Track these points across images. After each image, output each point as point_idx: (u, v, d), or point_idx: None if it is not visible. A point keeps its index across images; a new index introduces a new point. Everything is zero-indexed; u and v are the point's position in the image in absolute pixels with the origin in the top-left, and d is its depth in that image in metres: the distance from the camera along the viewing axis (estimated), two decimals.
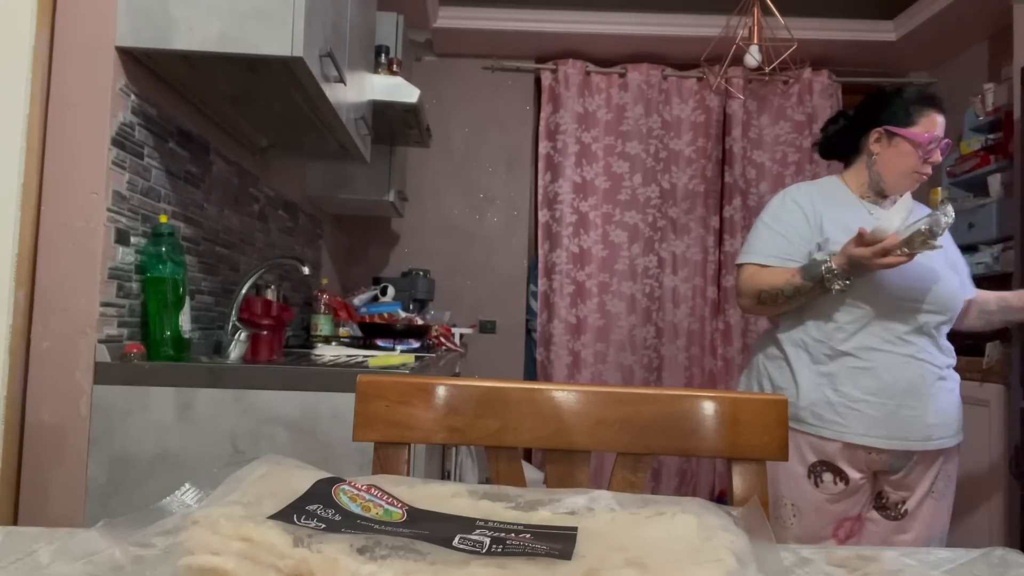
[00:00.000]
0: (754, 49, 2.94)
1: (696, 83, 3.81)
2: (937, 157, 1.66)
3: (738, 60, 3.10)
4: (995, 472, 2.43)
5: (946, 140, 1.65)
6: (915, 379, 1.58)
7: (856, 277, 1.55)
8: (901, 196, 1.59)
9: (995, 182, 2.91)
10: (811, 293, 1.59)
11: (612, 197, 3.79)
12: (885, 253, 1.44)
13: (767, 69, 3.03)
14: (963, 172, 3.13)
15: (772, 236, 1.68)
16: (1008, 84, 2.89)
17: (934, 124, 1.66)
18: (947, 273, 1.65)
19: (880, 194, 1.72)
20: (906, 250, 1.45)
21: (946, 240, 1.69)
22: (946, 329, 1.66)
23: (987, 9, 3.14)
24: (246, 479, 0.59)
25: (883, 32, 3.57)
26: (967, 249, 2.88)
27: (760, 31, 2.97)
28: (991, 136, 3.02)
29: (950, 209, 1.44)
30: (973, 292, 1.75)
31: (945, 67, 3.76)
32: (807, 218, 1.68)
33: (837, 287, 1.54)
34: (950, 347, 1.67)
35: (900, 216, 1.45)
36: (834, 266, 1.53)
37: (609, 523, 0.56)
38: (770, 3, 2.84)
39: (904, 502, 1.65)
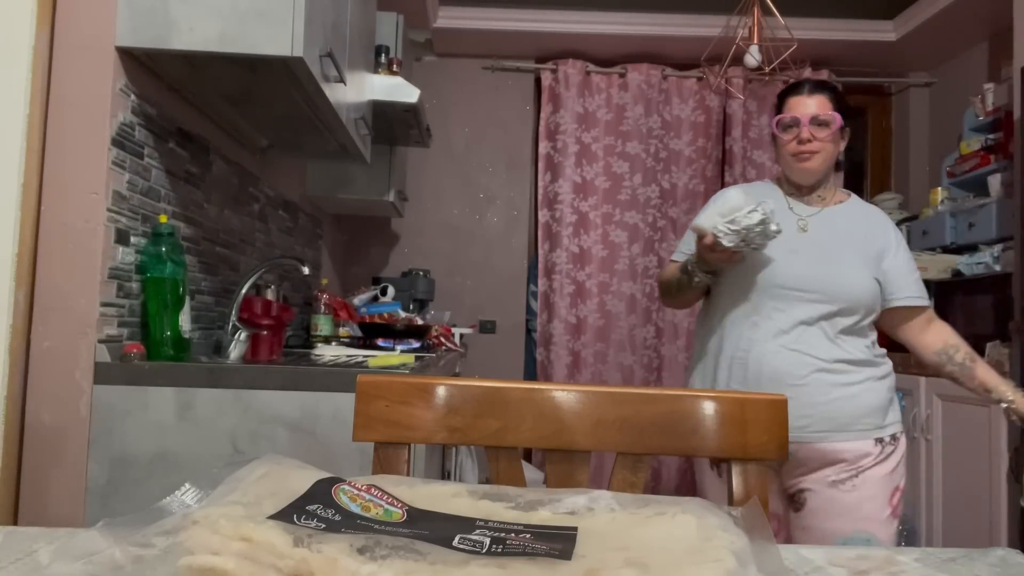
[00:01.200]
0: (754, 49, 2.94)
1: (696, 83, 3.81)
2: (805, 135, 1.61)
3: (738, 60, 3.10)
4: (995, 473, 2.43)
5: (814, 115, 1.60)
6: (783, 369, 1.55)
7: (720, 269, 1.60)
8: (810, 184, 1.67)
9: (995, 182, 2.91)
10: (689, 285, 1.64)
11: (612, 197, 3.79)
12: (711, 248, 1.48)
13: (767, 69, 3.03)
14: (963, 172, 3.13)
15: (689, 234, 1.68)
16: (1008, 84, 2.89)
17: (795, 106, 1.64)
18: (846, 264, 1.60)
19: (796, 186, 1.70)
20: (742, 244, 1.46)
21: (882, 237, 1.66)
22: (846, 322, 1.58)
23: (987, 9, 3.14)
24: (246, 479, 0.59)
25: (883, 32, 3.57)
26: (967, 249, 2.89)
27: (760, 31, 2.97)
28: (991, 136, 3.02)
29: (767, 204, 1.47)
30: (921, 301, 1.67)
31: (945, 67, 3.76)
32: None
33: (697, 280, 1.61)
34: (859, 343, 1.61)
35: (713, 211, 1.48)
36: (694, 259, 1.60)
37: (609, 523, 0.56)
38: (770, 3, 2.84)
39: (802, 493, 1.60)
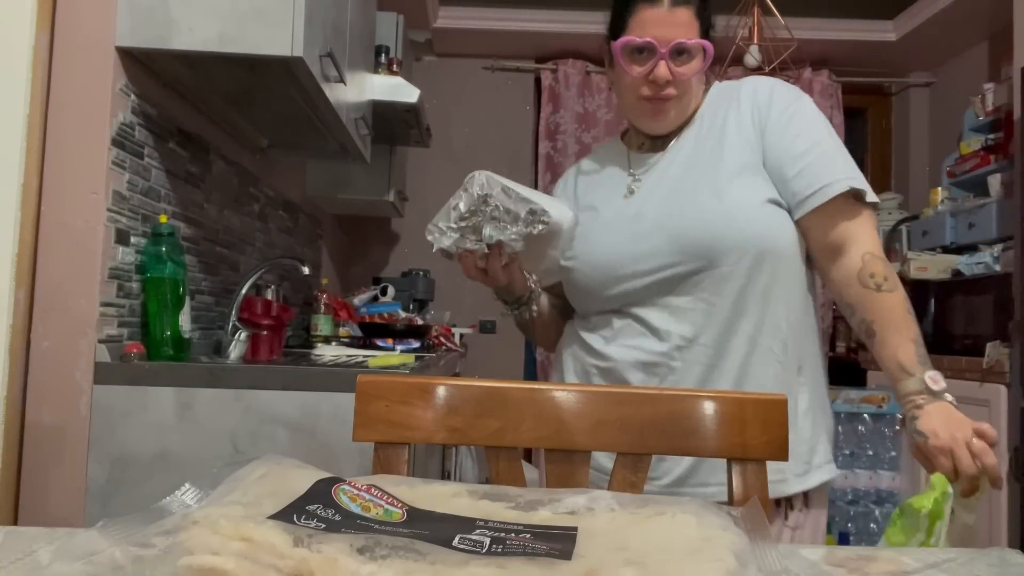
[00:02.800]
0: (754, 49, 2.94)
1: None
2: (662, 74, 1.08)
3: (738, 60, 3.10)
4: None
5: (677, 43, 1.07)
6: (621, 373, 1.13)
7: (520, 291, 1.22)
8: (667, 133, 1.17)
9: (995, 182, 2.90)
10: (524, 323, 1.29)
11: None
12: (462, 259, 1.11)
13: (767, 69, 3.03)
14: (963, 172, 3.13)
15: None
16: (1008, 84, 2.89)
17: (649, 23, 1.08)
18: (693, 194, 1.09)
19: (647, 136, 1.20)
20: (480, 242, 1.07)
21: (750, 115, 1.13)
22: (740, 281, 1.06)
23: (987, 9, 3.14)
24: (246, 479, 0.59)
25: (883, 32, 3.57)
26: (967, 249, 2.89)
27: (760, 31, 2.97)
28: (991, 136, 3.02)
29: (478, 176, 1.07)
30: (841, 186, 1.04)
31: (945, 67, 3.76)
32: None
33: (508, 312, 1.25)
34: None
35: (447, 210, 1.08)
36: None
37: (609, 523, 0.56)
38: (770, 3, 2.84)
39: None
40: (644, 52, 1.09)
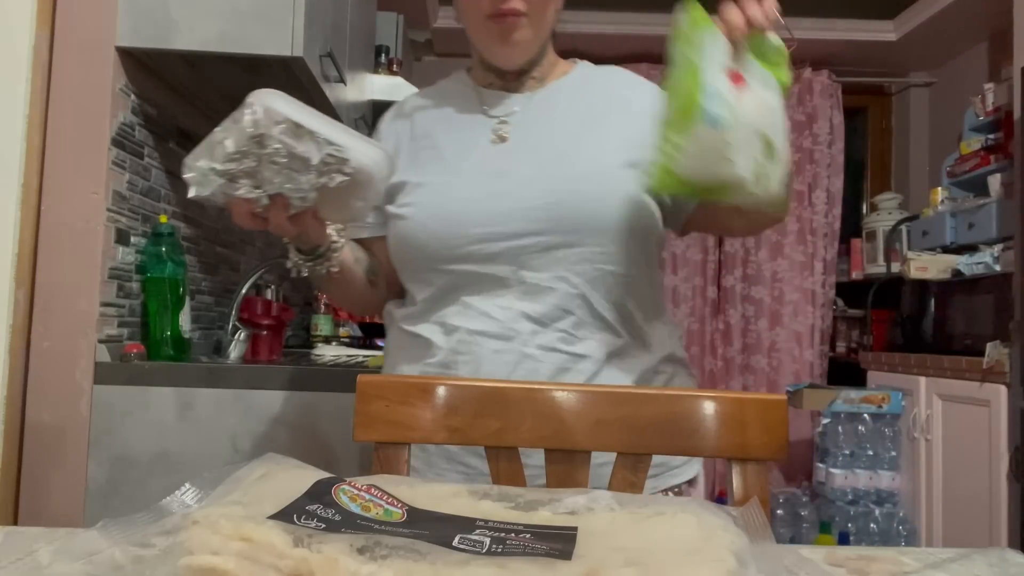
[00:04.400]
0: None
1: None
2: None
3: None
4: (995, 472, 2.43)
5: None
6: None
7: (321, 244, 0.96)
8: (518, 67, 1.04)
9: (995, 182, 2.90)
10: (321, 281, 1.03)
11: None
12: (233, 207, 0.89)
13: None
14: (963, 172, 3.13)
15: None
16: (1008, 84, 2.89)
17: None
18: (580, 156, 0.99)
19: (497, 72, 1.06)
20: (258, 190, 0.83)
21: (639, 100, 1.05)
22: (613, 265, 0.98)
23: (987, 9, 3.14)
24: (246, 479, 0.59)
25: (883, 32, 3.57)
26: (967, 249, 2.89)
27: None
28: (991, 136, 3.02)
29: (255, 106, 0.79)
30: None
31: (945, 67, 3.76)
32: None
33: (296, 264, 0.99)
34: (650, 304, 1.03)
35: (209, 145, 0.82)
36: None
37: (609, 523, 0.56)
38: None
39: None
40: None
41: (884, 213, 3.55)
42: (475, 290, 0.97)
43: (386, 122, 1.14)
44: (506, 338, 0.95)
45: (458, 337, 0.97)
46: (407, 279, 1.05)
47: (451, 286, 0.99)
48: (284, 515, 0.53)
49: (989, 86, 3.11)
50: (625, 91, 1.08)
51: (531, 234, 0.95)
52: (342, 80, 1.81)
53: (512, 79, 1.06)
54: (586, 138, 1.00)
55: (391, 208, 1.03)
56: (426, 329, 1.01)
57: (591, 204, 0.96)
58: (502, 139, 1.02)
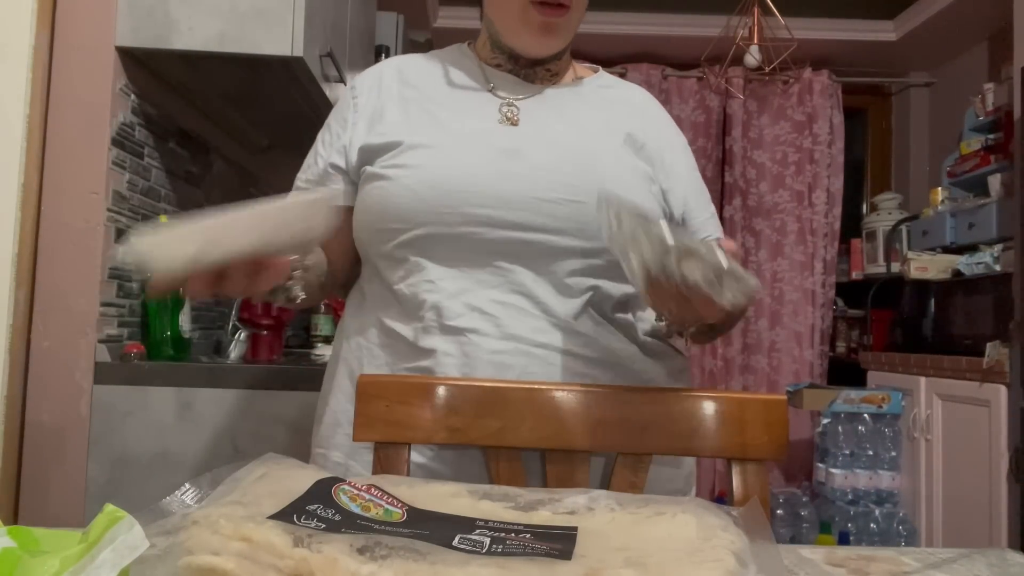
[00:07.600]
0: (754, 49, 2.94)
1: (696, 83, 3.81)
2: None
3: (738, 60, 3.10)
4: (995, 472, 2.43)
5: None
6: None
7: None
8: (544, 57, 0.98)
9: (995, 182, 2.90)
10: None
11: None
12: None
13: (767, 69, 3.03)
14: (963, 172, 3.13)
15: (311, 155, 1.04)
16: (1008, 84, 2.89)
17: None
18: (601, 162, 0.93)
19: (513, 57, 0.98)
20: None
21: (656, 131, 1.01)
22: (615, 285, 0.92)
23: (987, 9, 3.14)
24: (246, 479, 0.59)
25: (883, 32, 3.57)
26: (967, 249, 2.89)
27: (760, 31, 2.97)
28: (991, 136, 3.02)
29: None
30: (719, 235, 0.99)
31: (945, 67, 3.76)
32: (356, 117, 0.97)
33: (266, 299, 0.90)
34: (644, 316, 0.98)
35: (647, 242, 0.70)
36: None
37: (609, 523, 0.56)
38: (770, 3, 2.84)
39: None
40: None
41: (884, 213, 3.55)
42: (461, 278, 0.88)
43: (368, 76, 1.00)
44: (505, 338, 0.88)
45: (453, 336, 0.89)
46: (373, 253, 0.94)
47: (428, 266, 0.88)
48: (284, 515, 0.53)
49: (989, 86, 3.11)
50: (639, 118, 1.02)
51: (540, 230, 0.87)
52: (342, 80, 1.81)
53: (524, 65, 0.99)
54: (605, 146, 0.95)
55: (370, 168, 0.91)
56: (405, 327, 0.91)
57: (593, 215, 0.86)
58: (511, 121, 0.94)
